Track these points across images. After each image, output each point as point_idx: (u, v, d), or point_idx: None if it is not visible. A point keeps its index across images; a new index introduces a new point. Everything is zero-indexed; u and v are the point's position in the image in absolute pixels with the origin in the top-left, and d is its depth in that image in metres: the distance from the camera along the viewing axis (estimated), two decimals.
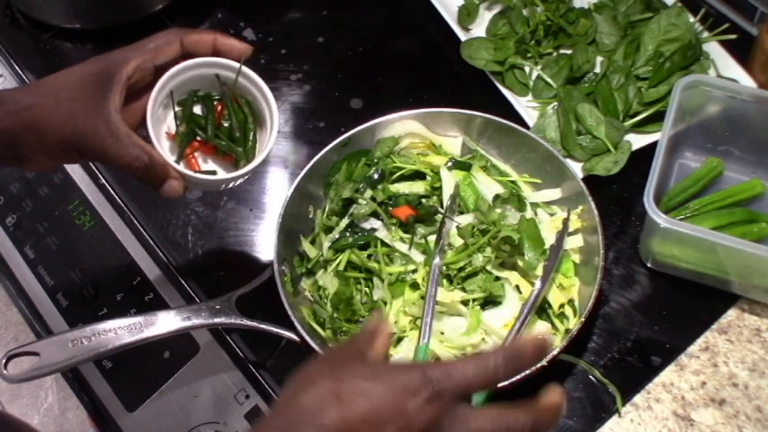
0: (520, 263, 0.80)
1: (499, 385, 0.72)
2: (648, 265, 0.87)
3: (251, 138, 0.75)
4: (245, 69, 0.73)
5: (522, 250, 0.79)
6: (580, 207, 0.83)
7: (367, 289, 0.82)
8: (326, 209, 0.87)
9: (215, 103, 0.75)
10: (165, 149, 0.71)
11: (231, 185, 0.76)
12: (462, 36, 1.01)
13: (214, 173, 0.74)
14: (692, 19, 0.99)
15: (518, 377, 0.73)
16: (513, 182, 0.88)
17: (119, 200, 0.95)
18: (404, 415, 0.50)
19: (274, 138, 0.74)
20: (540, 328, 0.79)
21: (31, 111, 0.67)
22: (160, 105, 0.72)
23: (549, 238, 0.82)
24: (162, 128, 0.74)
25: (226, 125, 0.75)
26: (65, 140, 0.67)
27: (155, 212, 0.94)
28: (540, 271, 0.80)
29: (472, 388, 0.53)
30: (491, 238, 0.80)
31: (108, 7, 1.10)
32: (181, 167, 0.70)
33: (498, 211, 0.83)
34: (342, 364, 0.54)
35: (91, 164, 0.97)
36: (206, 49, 0.72)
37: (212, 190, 0.93)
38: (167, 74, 0.71)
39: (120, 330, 0.74)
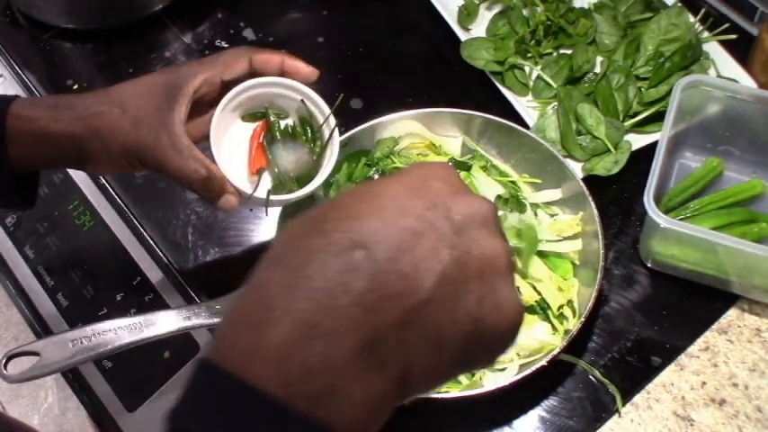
0: (519, 264, 0.80)
1: (499, 386, 0.73)
2: (648, 265, 0.86)
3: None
4: (313, 95, 0.74)
5: (520, 254, 0.79)
6: (581, 212, 0.83)
7: None
8: None
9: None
10: (225, 164, 0.71)
11: (279, 207, 0.77)
12: (462, 36, 1.01)
13: (268, 193, 0.74)
14: (692, 19, 0.99)
15: (519, 377, 0.73)
16: (513, 182, 0.88)
17: (119, 200, 0.95)
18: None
19: (331, 167, 0.74)
20: (540, 328, 0.79)
21: (97, 117, 0.69)
22: (224, 119, 0.73)
23: (549, 240, 0.82)
24: (224, 141, 0.74)
25: None
26: (128, 149, 0.69)
27: (155, 212, 0.94)
28: (539, 271, 0.80)
29: None
30: None
31: (108, 7, 1.10)
32: (238, 184, 0.71)
33: (500, 213, 0.83)
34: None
35: None
36: (273, 70, 0.73)
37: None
38: (234, 89, 0.71)
39: (120, 330, 0.74)
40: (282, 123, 0.76)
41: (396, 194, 0.40)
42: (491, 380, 0.76)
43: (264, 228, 0.93)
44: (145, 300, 0.87)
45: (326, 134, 0.74)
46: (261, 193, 0.74)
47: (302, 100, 0.74)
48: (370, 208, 0.39)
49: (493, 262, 0.40)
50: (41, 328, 0.89)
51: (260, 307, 0.37)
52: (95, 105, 0.69)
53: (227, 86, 0.72)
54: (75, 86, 1.06)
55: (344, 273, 0.37)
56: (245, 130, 0.76)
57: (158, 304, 0.87)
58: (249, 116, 0.76)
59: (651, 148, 0.83)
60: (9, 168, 0.70)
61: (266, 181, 0.75)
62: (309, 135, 0.75)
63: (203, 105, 0.72)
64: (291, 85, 0.73)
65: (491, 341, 0.41)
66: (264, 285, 0.38)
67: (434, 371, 0.39)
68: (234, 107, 0.73)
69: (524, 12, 1.04)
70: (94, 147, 0.69)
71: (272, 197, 0.73)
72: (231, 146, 0.75)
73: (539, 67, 0.99)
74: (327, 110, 0.74)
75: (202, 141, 0.72)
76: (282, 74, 0.73)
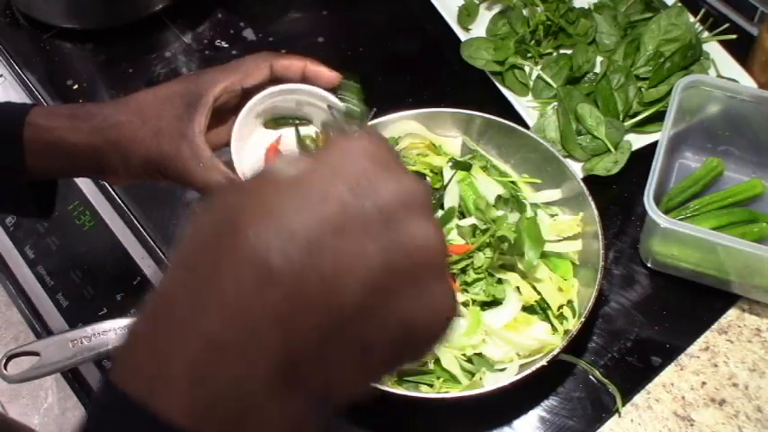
0: (519, 264, 0.80)
1: (499, 385, 0.73)
2: (648, 265, 0.86)
3: None
4: (336, 102, 0.71)
5: (522, 249, 0.79)
6: (581, 213, 0.83)
7: None
8: None
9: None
10: (246, 171, 0.70)
11: None
12: (462, 36, 1.01)
13: None
14: (692, 19, 0.99)
15: (519, 377, 0.73)
16: (513, 182, 0.88)
17: (119, 200, 0.95)
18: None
19: None
20: (540, 328, 0.79)
21: (116, 129, 0.67)
22: (246, 126, 0.72)
23: (549, 240, 0.82)
24: (246, 148, 0.73)
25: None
26: (148, 160, 0.68)
27: (155, 212, 0.94)
28: (539, 271, 0.80)
29: None
30: (490, 236, 0.80)
31: (108, 7, 1.10)
32: None
33: (500, 213, 0.83)
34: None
35: None
36: (295, 75, 0.71)
37: None
38: (257, 97, 0.70)
39: (121, 330, 0.74)
40: (306, 130, 0.75)
41: (317, 177, 0.34)
42: (491, 380, 0.76)
43: None
44: (145, 300, 0.87)
45: None
46: None
47: (329, 106, 0.72)
48: (288, 198, 0.34)
49: (426, 256, 0.35)
50: (41, 328, 0.89)
51: (165, 323, 0.34)
52: (114, 116, 0.68)
53: (247, 93, 0.70)
54: (75, 86, 1.06)
55: (259, 283, 0.32)
56: (267, 137, 0.75)
57: None
58: (272, 122, 0.74)
59: (651, 148, 0.83)
60: (27, 178, 0.69)
61: None
62: None
63: (224, 113, 0.71)
64: (315, 92, 0.72)
65: (419, 343, 0.37)
66: (170, 296, 0.35)
67: (358, 380, 0.36)
68: (256, 114, 0.72)
69: (524, 12, 1.04)
70: (114, 158, 0.68)
71: None
72: (253, 152, 0.74)
73: (539, 67, 0.99)
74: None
75: (223, 148, 0.71)
76: (304, 79, 0.72)
